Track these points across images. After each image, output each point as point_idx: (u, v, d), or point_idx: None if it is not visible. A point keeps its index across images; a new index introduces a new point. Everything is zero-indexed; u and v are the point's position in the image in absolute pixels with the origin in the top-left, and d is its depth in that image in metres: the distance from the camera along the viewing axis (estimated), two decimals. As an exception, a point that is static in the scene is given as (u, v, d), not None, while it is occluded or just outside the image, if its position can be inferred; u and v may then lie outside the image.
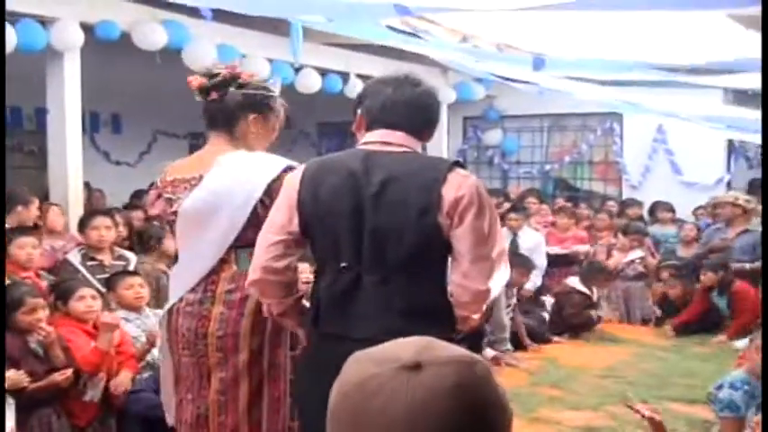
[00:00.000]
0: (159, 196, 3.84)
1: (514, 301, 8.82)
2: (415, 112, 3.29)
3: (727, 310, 9.33)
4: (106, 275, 6.37)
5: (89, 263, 6.63)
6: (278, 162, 3.68)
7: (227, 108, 3.77)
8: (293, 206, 3.26)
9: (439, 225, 3.08)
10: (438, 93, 3.47)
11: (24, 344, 5.04)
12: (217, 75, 3.81)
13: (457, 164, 3.24)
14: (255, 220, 3.54)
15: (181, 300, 3.75)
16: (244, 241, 3.62)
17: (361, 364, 1.40)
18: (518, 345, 8.72)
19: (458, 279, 3.17)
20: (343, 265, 3.21)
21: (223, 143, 3.80)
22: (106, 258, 6.73)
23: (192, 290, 3.71)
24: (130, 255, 7.03)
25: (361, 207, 3.15)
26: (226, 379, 3.67)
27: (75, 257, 6.67)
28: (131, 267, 6.68)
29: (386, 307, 3.15)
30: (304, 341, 3.48)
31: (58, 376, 5.00)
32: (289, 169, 3.58)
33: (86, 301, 5.50)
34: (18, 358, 4.91)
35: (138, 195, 10.54)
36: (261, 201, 3.58)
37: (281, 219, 3.28)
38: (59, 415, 5.12)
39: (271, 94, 3.89)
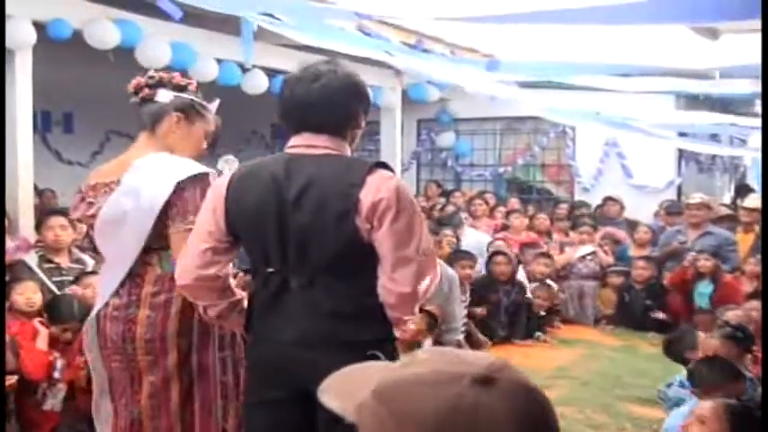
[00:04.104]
0: (83, 200, 3.84)
1: (467, 297, 8.81)
2: (325, 113, 3.22)
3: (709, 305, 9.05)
4: (63, 278, 6.29)
5: (46, 265, 6.54)
6: (189, 166, 3.65)
7: (155, 105, 3.80)
8: (220, 213, 3.27)
9: (358, 229, 3.06)
10: (355, 81, 3.33)
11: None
12: (153, 76, 3.86)
13: (380, 165, 3.20)
14: (165, 226, 3.56)
15: (107, 305, 3.73)
16: (161, 243, 3.62)
17: (419, 389, 1.31)
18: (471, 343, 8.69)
19: (383, 282, 3.15)
20: (270, 270, 3.23)
21: (145, 143, 3.83)
22: (63, 261, 6.65)
23: (118, 294, 3.70)
24: (88, 258, 6.94)
25: (284, 212, 3.14)
26: (156, 382, 3.68)
27: (31, 259, 6.58)
28: (88, 270, 6.54)
29: (313, 310, 3.15)
30: (248, 341, 3.51)
31: None
32: (202, 175, 3.59)
33: (27, 294, 5.40)
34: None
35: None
36: (170, 203, 3.54)
37: (208, 226, 3.29)
38: (8, 420, 4.99)
39: (201, 101, 3.91)
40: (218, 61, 9.12)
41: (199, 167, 3.64)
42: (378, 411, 1.31)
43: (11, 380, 4.94)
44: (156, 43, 8.42)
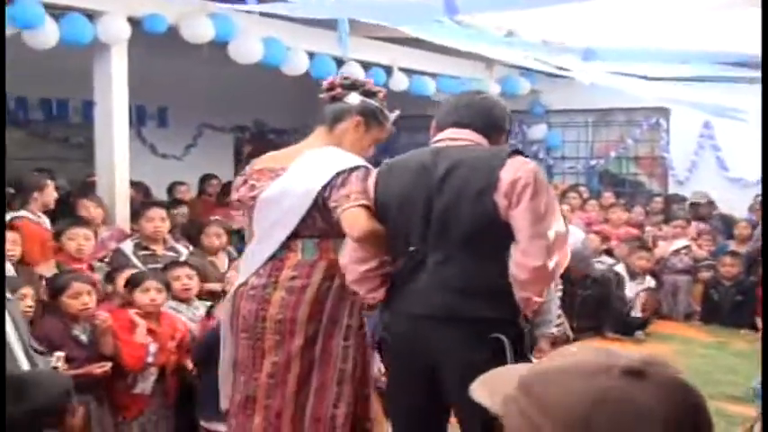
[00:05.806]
0: (245, 183, 4.02)
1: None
2: (476, 113, 3.61)
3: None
4: (158, 265, 6.42)
5: (141, 252, 6.71)
6: (352, 159, 3.85)
7: (342, 105, 4.03)
8: (370, 200, 3.59)
9: (496, 205, 3.30)
10: (506, 107, 3.77)
11: (65, 329, 5.04)
12: (348, 78, 4.19)
13: (518, 152, 3.47)
14: (318, 212, 3.75)
15: (246, 283, 3.94)
16: (309, 231, 3.83)
17: (565, 379, 1.28)
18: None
19: (516, 257, 3.33)
20: (411, 249, 3.46)
21: (319, 137, 4.07)
22: (159, 249, 6.82)
23: (258, 274, 3.90)
24: (182, 248, 7.09)
25: (431, 194, 3.42)
26: (279, 363, 3.85)
27: (127, 247, 6.75)
28: (182, 260, 6.69)
29: (444, 285, 3.38)
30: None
31: (95, 368, 4.96)
32: (359, 168, 3.78)
33: (150, 293, 5.39)
34: (59, 344, 4.88)
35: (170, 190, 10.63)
36: (329, 189, 3.72)
37: None
38: (101, 402, 5.09)
39: (384, 110, 4.12)
40: (311, 55, 9.19)
41: (361, 161, 3.85)
42: (522, 402, 1.30)
43: (105, 366, 5.01)
44: (249, 38, 8.50)
